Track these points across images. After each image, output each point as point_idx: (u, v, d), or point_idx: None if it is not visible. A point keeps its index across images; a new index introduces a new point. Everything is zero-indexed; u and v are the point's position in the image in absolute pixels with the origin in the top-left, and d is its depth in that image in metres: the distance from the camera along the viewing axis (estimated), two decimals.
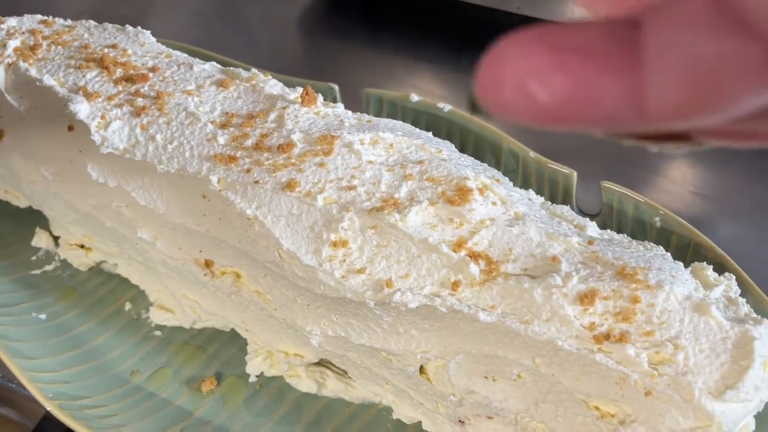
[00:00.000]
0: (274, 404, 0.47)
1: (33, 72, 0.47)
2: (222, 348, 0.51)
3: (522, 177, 0.53)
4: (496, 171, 0.45)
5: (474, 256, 0.38)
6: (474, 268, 0.37)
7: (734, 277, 0.41)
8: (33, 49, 0.49)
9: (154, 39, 0.51)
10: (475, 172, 0.41)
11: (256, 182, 0.40)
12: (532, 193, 0.44)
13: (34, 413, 0.86)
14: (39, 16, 0.53)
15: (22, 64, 0.47)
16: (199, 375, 0.49)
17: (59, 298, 0.54)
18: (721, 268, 0.44)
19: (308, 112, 0.44)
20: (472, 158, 0.45)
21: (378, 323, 0.40)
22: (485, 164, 0.45)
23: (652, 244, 0.41)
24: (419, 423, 0.45)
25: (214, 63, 0.49)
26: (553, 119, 0.14)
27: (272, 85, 0.47)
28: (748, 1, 0.11)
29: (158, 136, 0.43)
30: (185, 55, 0.50)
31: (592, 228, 0.42)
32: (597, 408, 0.36)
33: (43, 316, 0.52)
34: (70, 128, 0.45)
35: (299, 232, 0.40)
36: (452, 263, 0.38)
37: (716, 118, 0.13)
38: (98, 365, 0.49)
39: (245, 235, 0.41)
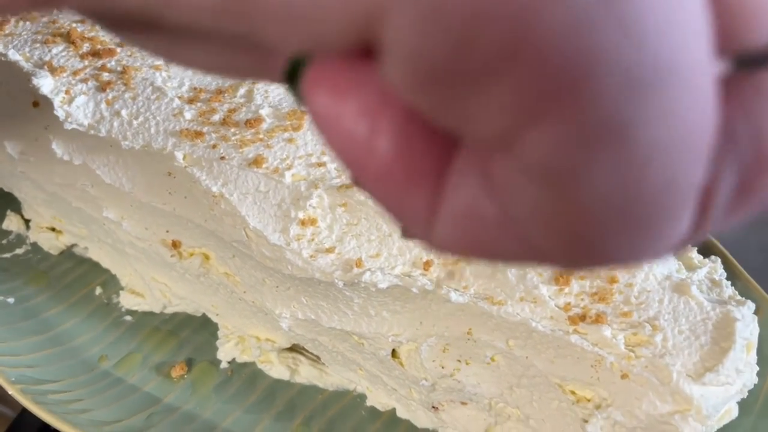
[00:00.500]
0: (245, 391, 0.46)
1: None
2: (194, 334, 0.49)
3: None
4: None
5: None
6: None
7: (719, 260, 0.39)
8: (0, 25, 0.47)
9: None
10: None
11: (222, 158, 0.39)
12: None
13: (15, 404, 0.85)
14: None
15: None
16: (169, 361, 0.48)
17: (29, 281, 0.52)
18: (707, 253, 0.43)
19: (279, 87, 0.43)
20: None
21: (348, 305, 0.38)
22: None
23: None
24: (394, 410, 0.44)
25: None
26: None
27: None
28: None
29: (123, 112, 0.42)
30: None
31: None
32: (573, 392, 0.35)
33: (11, 300, 0.50)
34: (35, 104, 0.44)
35: (266, 210, 0.38)
36: None
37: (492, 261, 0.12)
38: (65, 350, 0.48)
39: (211, 213, 0.40)
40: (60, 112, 0.42)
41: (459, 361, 0.37)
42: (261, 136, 0.40)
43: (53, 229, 0.53)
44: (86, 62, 0.44)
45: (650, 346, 0.32)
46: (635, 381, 0.32)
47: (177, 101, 0.42)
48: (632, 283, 0.34)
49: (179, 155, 0.40)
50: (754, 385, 0.39)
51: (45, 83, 0.42)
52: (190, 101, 0.42)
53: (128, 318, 0.50)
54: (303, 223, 0.37)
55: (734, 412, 0.35)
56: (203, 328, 0.49)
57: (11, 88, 0.45)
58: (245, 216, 0.38)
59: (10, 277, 0.52)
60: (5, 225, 0.55)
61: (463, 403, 0.39)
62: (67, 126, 0.42)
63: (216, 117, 0.41)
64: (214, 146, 0.40)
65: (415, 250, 0.37)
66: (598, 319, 0.33)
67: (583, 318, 0.34)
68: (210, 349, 0.48)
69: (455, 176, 0.10)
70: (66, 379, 0.45)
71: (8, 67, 0.45)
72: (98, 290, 0.52)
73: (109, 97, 0.42)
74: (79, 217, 0.48)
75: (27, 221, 0.55)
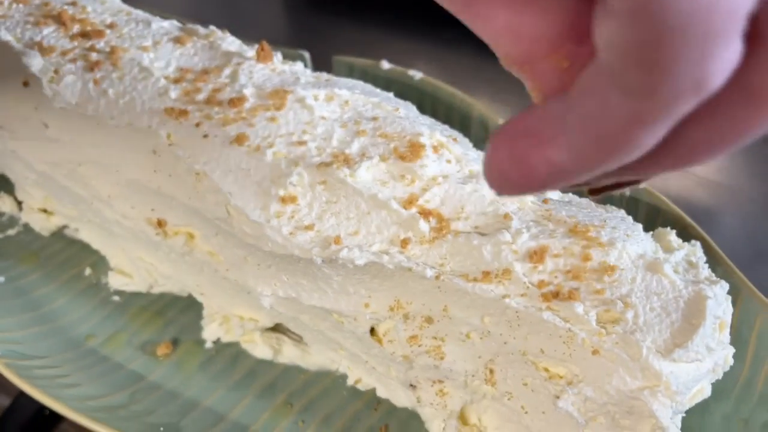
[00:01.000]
0: (228, 370, 0.46)
1: None
2: (180, 314, 0.50)
3: None
4: (457, 133, 0.43)
5: (425, 213, 0.37)
6: (424, 225, 0.36)
7: (698, 244, 0.39)
8: None
9: None
10: (431, 130, 0.40)
11: (206, 136, 0.40)
12: None
13: (10, 389, 0.86)
14: None
15: None
16: (155, 340, 0.48)
17: (20, 261, 0.53)
18: (688, 238, 0.43)
19: (264, 68, 0.43)
20: (433, 119, 0.44)
21: (328, 283, 0.39)
22: (446, 126, 0.44)
23: (613, 207, 0.40)
24: (374, 390, 0.44)
25: (174, 21, 0.48)
26: (529, 188, 0.18)
27: (230, 42, 0.46)
28: None
29: (110, 91, 0.43)
30: (145, 13, 0.49)
31: (555, 194, 0.41)
32: (546, 369, 0.35)
33: (1, 279, 0.51)
34: (26, 84, 0.45)
35: (248, 187, 0.39)
36: (402, 220, 0.37)
37: (624, 159, 0.16)
38: (53, 328, 0.48)
39: (195, 191, 0.40)
40: (48, 91, 0.43)
41: (435, 338, 0.38)
42: (244, 114, 0.40)
43: (45, 211, 0.54)
44: (75, 43, 0.45)
45: (621, 323, 0.33)
46: (606, 357, 0.33)
47: (163, 81, 0.43)
48: (606, 261, 0.35)
49: (163, 133, 0.40)
50: (733, 369, 0.39)
51: (34, 62, 0.43)
52: (176, 81, 0.43)
53: (116, 298, 0.51)
54: (283, 200, 0.38)
55: (707, 391, 0.35)
56: (189, 309, 0.50)
57: (2, 68, 0.46)
58: (227, 193, 0.39)
59: (1, 257, 0.53)
60: None
61: (440, 381, 0.39)
62: (56, 104, 0.43)
63: (200, 96, 0.42)
64: (197, 124, 0.40)
65: (393, 228, 0.37)
66: (571, 296, 0.34)
67: (556, 295, 0.34)
68: (195, 329, 0.48)
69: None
70: (53, 355, 0.46)
71: (2, 49, 0.46)
72: (88, 271, 0.52)
73: (97, 76, 0.43)
74: (68, 196, 0.48)
75: (19, 203, 0.56)
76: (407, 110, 0.43)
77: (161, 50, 0.45)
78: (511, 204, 0.37)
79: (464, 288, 0.35)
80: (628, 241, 0.35)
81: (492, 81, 0.66)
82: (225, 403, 0.44)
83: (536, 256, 0.35)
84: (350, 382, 0.45)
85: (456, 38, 0.70)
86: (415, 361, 0.39)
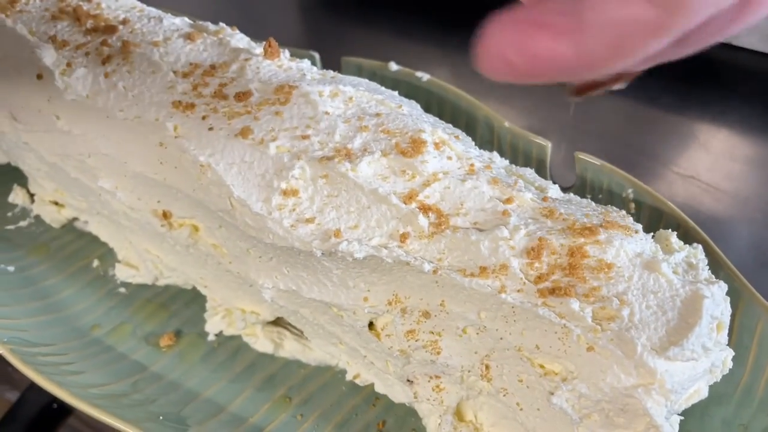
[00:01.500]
0: (230, 363, 0.47)
1: (8, 22, 0.47)
2: (184, 307, 0.50)
3: (497, 149, 0.52)
4: (460, 131, 0.44)
5: (424, 208, 0.37)
6: (423, 220, 0.37)
7: (700, 247, 0.39)
8: (12, 2, 0.49)
9: None
10: (433, 127, 0.41)
11: (211, 129, 0.40)
12: (495, 155, 0.43)
13: (19, 383, 0.87)
14: None
15: None
16: (159, 331, 0.49)
17: (30, 252, 0.54)
18: (690, 241, 0.43)
19: (271, 64, 0.44)
20: (436, 118, 0.44)
21: (328, 276, 0.39)
22: (450, 124, 0.44)
23: (614, 207, 0.40)
24: (373, 385, 0.44)
25: (185, 18, 0.49)
26: (525, 76, 0.19)
27: (238, 39, 0.46)
28: None
29: (120, 84, 0.43)
30: (158, 10, 0.50)
31: (554, 190, 0.41)
32: (541, 366, 0.35)
33: (11, 268, 0.52)
34: (39, 77, 0.46)
35: (250, 179, 0.39)
36: (401, 215, 0.37)
37: (628, 63, 0.18)
38: (60, 317, 0.49)
39: (199, 183, 0.41)
40: (60, 83, 0.44)
41: (432, 333, 0.38)
42: (249, 108, 0.41)
43: (56, 203, 0.55)
44: (89, 38, 0.46)
45: (617, 320, 0.33)
46: (600, 354, 0.33)
47: (171, 75, 0.43)
48: (603, 258, 0.35)
49: (170, 126, 0.41)
50: (733, 373, 0.39)
51: (48, 55, 0.44)
52: (185, 75, 0.43)
53: (122, 290, 0.51)
54: (285, 193, 0.38)
55: (704, 393, 0.35)
56: (193, 302, 0.50)
57: (18, 61, 0.47)
58: (230, 185, 0.39)
59: (11, 248, 0.54)
60: (11, 198, 0.57)
61: (436, 377, 0.39)
62: (67, 97, 0.44)
63: (207, 90, 0.42)
64: (203, 117, 0.41)
65: (393, 222, 0.37)
66: (567, 292, 0.34)
67: (552, 291, 0.34)
68: (199, 322, 0.49)
69: (589, 13, 0.17)
70: (58, 343, 0.47)
71: (16, 41, 0.47)
72: (95, 263, 0.53)
73: (108, 70, 0.44)
74: (78, 188, 0.49)
75: (32, 195, 0.57)
76: (411, 108, 0.43)
77: (171, 46, 0.46)
78: (510, 201, 0.38)
79: (461, 283, 0.35)
80: (626, 240, 0.35)
81: (499, 86, 0.66)
82: (225, 395, 0.45)
83: (533, 252, 0.35)
84: (349, 377, 0.45)
85: (465, 42, 0.71)
86: (412, 355, 0.39)
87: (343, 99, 0.42)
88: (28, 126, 0.47)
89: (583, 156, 0.49)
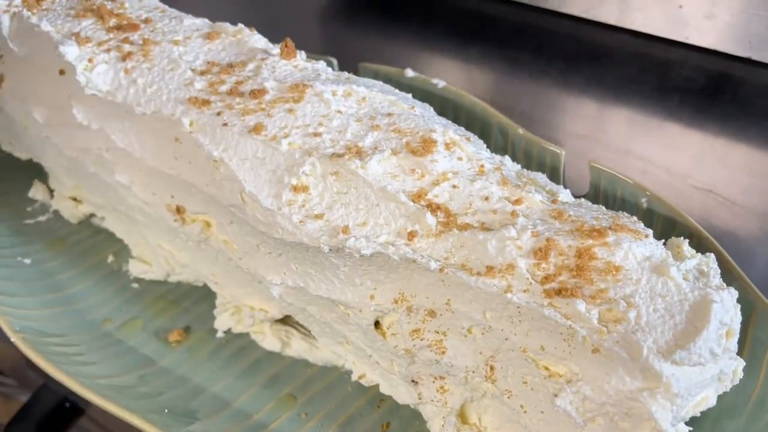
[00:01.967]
0: (237, 360, 0.47)
1: (34, 19, 0.48)
2: (194, 304, 0.51)
3: (511, 156, 0.52)
4: (471, 134, 0.44)
5: (433, 207, 0.37)
6: (431, 219, 0.37)
7: (712, 255, 0.39)
8: (38, 0, 0.51)
9: None
10: (444, 128, 0.41)
11: (225, 125, 0.41)
12: (507, 159, 0.43)
13: (32, 383, 0.88)
14: None
15: (26, 12, 0.49)
16: (169, 327, 0.49)
17: (47, 246, 0.55)
18: (704, 251, 0.42)
19: (287, 64, 0.45)
20: (449, 120, 0.45)
21: (335, 273, 0.39)
22: (462, 127, 0.45)
23: (625, 213, 0.40)
24: (378, 386, 0.44)
25: (206, 19, 0.50)
26: None
27: (256, 40, 0.47)
28: None
29: (140, 80, 0.44)
30: (179, 12, 0.51)
31: (565, 195, 0.41)
32: (546, 368, 0.35)
33: (27, 261, 0.53)
34: (62, 72, 0.47)
35: (262, 175, 0.40)
36: (410, 213, 0.37)
37: None
38: (73, 310, 0.50)
39: (212, 178, 0.41)
40: (81, 78, 0.45)
41: (437, 332, 0.38)
42: (263, 105, 0.41)
43: (74, 199, 0.56)
44: (111, 35, 0.47)
45: (623, 323, 0.32)
46: (606, 356, 0.32)
47: (189, 73, 0.44)
48: (611, 261, 0.34)
49: (186, 121, 0.42)
50: (745, 386, 0.38)
51: (70, 51, 0.45)
52: (202, 73, 0.44)
53: (135, 285, 0.52)
54: (295, 189, 0.39)
55: (712, 401, 0.34)
56: (204, 300, 0.51)
57: (42, 58, 0.48)
58: (242, 180, 0.40)
59: (29, 241, 0.55)
60: (31, 193, 0.58)
61: (441, 377, 0.39)
62: (88, 91, 0.45)
63: (224, 87, 0.43)
64: (218, 114, 0.41)
65: (401, 220, 0.37)
66: (573, 293, 0.33)
67: (558, 292, 0.34)
68: (208, 319, 0.49)
69: None
70: (70, 334, 0.47)
71: (40, 38, 0.48)
72: (110, 258, 0.54)
73: (128, 66, 0.45)
74: (96, 183, 0.50)
75: (51, 191, 0.58)
76: (424, 110, 0.44)
77: (191, 45, 0.47)
78: (520, 202, 0.37)
79: (467, 282, 0.35)
80: (635, 243, 0.35)
81: (515, 97, 0.66)
82: (231, 391, 0.45)
83: (540, 252, 0.35)
84: (355, 377, 0.45)
85: (482, 54, 0.71)
86: (417, 355, 0.39)
87: (356, 99, 0.42)
88: (49, 121, 0.49)
89: (596, 164, 0.49)
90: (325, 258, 0.39)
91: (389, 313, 0.39)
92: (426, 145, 0.39)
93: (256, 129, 0.40)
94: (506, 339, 0.35)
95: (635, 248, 0.35)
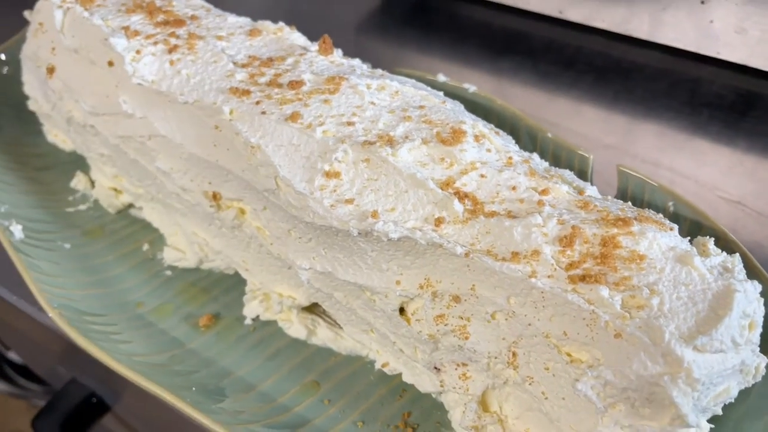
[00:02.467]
0: (264, 346, 0.48)
1: (86, 14, 0.51)
2: (224, 292, 0.52)
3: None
4: (500, 130, 0.45)
5: (460, 195, 0.38)
6: (458, 205, 0.38)
7: (738, 255, 0.39)
8: None
9: None
10: (474, 121, 0.42)
11: (263, 113, 0.42)
12: (535, 155, 0.44)
13: (61, 379, 0.89)
14: None
15: (79, 8, 0.52)
16: (199, 313, 0.50)
17: (86, 233, 0.57)
18: (730, 253, 0.42)
19: (324, 60, 0.46)
20: (478, 117, 0.46)
21: (363, 258, 0.40)
22: (491, 124, 0.46)
23: (651, 211, 0.40)
24: (400, 376, 0.45)
25: (248, 18, 0.53)
26: None
27: (296, 37, 0.49)
28: None
29: (184, 71, 0.46)
30: (223, 11, 0.54)
31: (592, 190, 0.42)
32: (569, 354, 0.35)
33: (67, 246, 0.55)
34: (110, 64, 0.49)
35: (296, 161, 0.41)
36: (438, 199, 0.38)
37: None
38: (108, 292, 0.51)
39: (249, 164, 0.43)
40: (129, 68, 0.47)
41: (461, 318, 0.38)
42: (300, 96, 0.43)
43: (114, 189, 0.58)
44: (159, 30, 0.49)
45: (646, 309, 0.33)
46: (628, 340, 0.33)
47: (231, 65, 0.46)
48: (636, 249, 0.35)
49: (226, 109, 0.43)
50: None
51: (119, 43, 0.48)
52: (243, 66, 0.46)
53: (168, 272, 0.54)
54: (328, 174, 0.40)
55: (733, 393, 0.34)
56: (234, 288, 0.52)
57: (92, 50, 0.51)
58: (277, 166, 0.41)
59: (69, 228, 0.57)
60: (73, 183, 0.61)
61: (464, 364, 0.40)
62: (134, 81, 0.47)
63: (263, 79, 0.45)
64: (257, 103, 0.43)
65: (428, 207, 0.38)
66: (597, 279, 0.34)
67: (582, 278, 0.34)
68: (237, 307, 0.51)
69: None
70: (105, 315, 0.49)
71: (91, 32, 0.51)
72: (146, 246, 0.56)
73: (174, 58, 0.47)
74: (136, 171, 0.52)
75: (93, 182, 0.60)
76: (454, 105, 0.45)
77: (234, 40, 0.49)
78: (546, 192, 0.38)
79: (492, 267, 0.36)
80: (660, 233, 0.36)
81: (545, 108, 0.67)
82: (257, 375, 0.46)
83: (566, 240, 0.36)
84: (378, 365, 0.46)
85: (512, 67, 0.72)
86: (441, 341, 0.39)
87: (389, 92, 0.44)
88: (95, 110, 0.51)
89: (624, 168, 0.49)
90: (353, 242, 0.40)
91: (414, 298, 0.40)
92: (456, 136, 0.40)
93: (293, 117, 0.42)
94: (529, 324, 0.36)
95: (660, 238, 0.35)
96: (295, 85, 0.43)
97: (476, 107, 0.56)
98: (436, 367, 0.41)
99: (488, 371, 0.39)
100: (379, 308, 0.42)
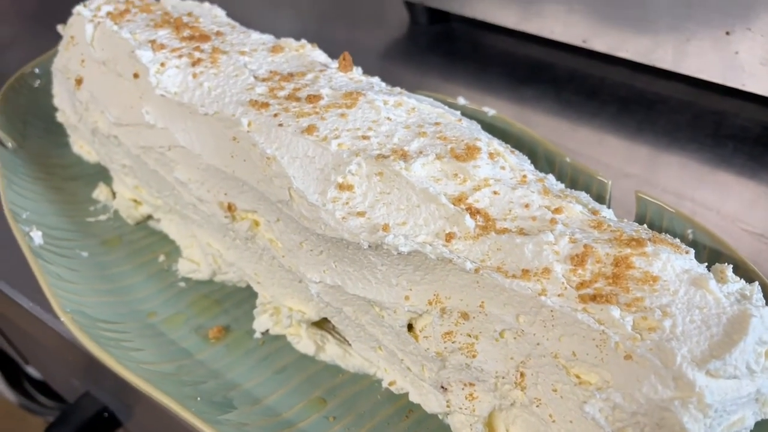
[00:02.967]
0: (272, 360, 0.48)
1: (115, 28, 0.53)
2: (236, 306, 0.52)
3: None
4: (516, 150, 0.45)
5: (472, 211, 0.38)
6: (469, 221, 0.37)
7: (757, 283, 0.38)
8: (122, 13, 0.55)
9: (223, 13, 0.57)
10: (489, 139, 0.42)
11: (280, 125, 0.43)
12: (551, 176, 0.44)
13: (74, 391, 0.89)
14: None
15: (109, 22, 0.53)
16: (210, 325, 0.50)
17: (104, 242, 0.58)
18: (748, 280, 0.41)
19: (343, 76, 0.47)
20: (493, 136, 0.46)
21: (372, 272, 0.40)
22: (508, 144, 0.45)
23: (668, 234, 0.40)
24: (407, 395, 0.44)
25: (272, 36, 0.54)
26: None
27: (318, 55, 0.50)
28: None
29: (206, 84, 0.47)
30: (248, 28, 0.55)
31: (608, 213, 0.41)
32: (577, 376, 0.34)
33: (85, 254, 0.55)
34: (136, 75, 0.50)
35: (310, 173, 0.41)
36: (449, 215, 0.38)
37: None
38: (121, 301, 0.52)
39: (264, 174, 0.43)
40: (153, 79, 0.48)
41: (470, 335, 0.38)
42: (317, 110, 0.43)
43: (134, 201, 0.59)
44: (184, 44, 0.51)
45: (658, 331, 0.32)
46: (638, 362, 0.32)
47: (252, 79, 0.47)
48: (649, 271, 0.34)
49: (245, 121, 0.44)
50: None
51: (145, 55, 0.49)
52: (264, 80, 0.47)
53: (182, 284, 0.54)
54: (341, 187, 0.40)
55: (749, 422, 0.33)
56: (245, 302, 0.52)
57: (119, 63, 0.52)
58: (291, 177, 0.41)
59: (88, 237, 0.58)
60: (95, 194, 0.62)
61: (471, 384, 0.39)
62: (157, 92, 0.48)
63: (282, 93, 0.45)
64: (275, 115, 0.44)
65: (440, 222, 0.38)
66: (609, 300, 0.33)
67: (593, 298, 0.34)
68: (248, 321, 0.50)
69: None
70: (117, 322, 0.49)
71: (119, 45, 0.52)
72: (161, 258, 0.56)
73: (197, 71, 0.48)
74: (155, 182, 0.53)
75: (114, 194, 0.61)
76: (470, 124, 0.45)
77: (256, 56, 0.50)
78: (559, 211, 0.38)
79: (502, 284, 0.35)
80: (675, 255, 0.35)
81: (566, 135, 0.67)
82: (263, 389, 0.46)
83: (577, 258, 0.35)
84: (385, 383, 0.45)
85: (535, 96, 0.73)
86: (448, 359, 0.39)
87: (405, 109, 0.44)
88: (119, 120, 0.52)
89: (643, 194, 0.49)
90: (363, 256, 0.40)
91: (423, 315, 0.40)
92: (470, 152, 0.40)
93: (309, 130, 0.42)
94: (538, 344, 0.35)
95: (674, 260, 0.35)
96: (313, 99, 0.44)
97: (494, 130, 0.56)
98: (443, 386, 0.40)
99: (495, 391, 0.38)
100: (387, 324, 0.41)
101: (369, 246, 0.38)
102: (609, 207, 0.50)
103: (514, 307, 0.36)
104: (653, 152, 0.65)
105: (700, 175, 0.62)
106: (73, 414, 0.85)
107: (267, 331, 0.50)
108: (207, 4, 0.58)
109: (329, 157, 0.41)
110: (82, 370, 0.75)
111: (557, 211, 0.38)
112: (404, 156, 0.40)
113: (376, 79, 0.48)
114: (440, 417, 0.43)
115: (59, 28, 0.61)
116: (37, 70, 0.70)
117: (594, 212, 0.39)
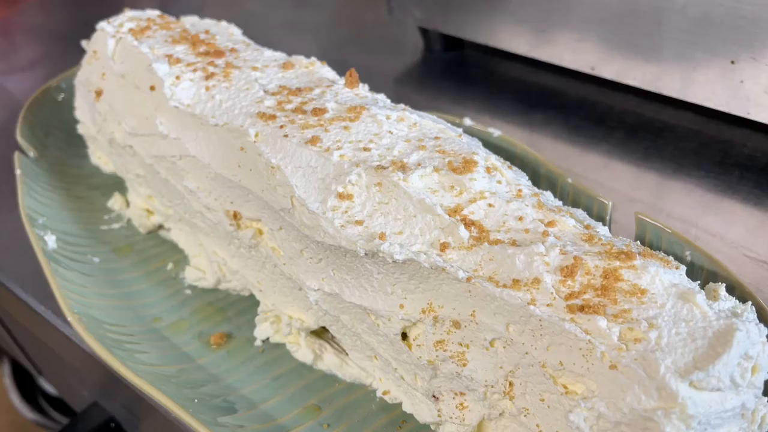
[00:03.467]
0: (270, 368, 0.49)
1: (135, 42, 0.55)
2: (239, 313, 0.53)
3: None
4: (514, 166, 0.46)
5: (467, 222, 0.39)
6: (464, 232, 0.38)
7: (750, 303, 0.38)
8: (143, 30, 0.58)
9: (239, 31, 0.59)
10: (487, 154, 0.43)
11: (285, 136, 0.44)
12: (548, 193, 0.44)
13: (83, 402, 0.91)
14: (158, 11, 0.62)
15: (129, 37, 0.56)
16: (212, 331, 0.52)
17: (116, 250, 0.59)
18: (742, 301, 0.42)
19: (350, 92, 0.49)
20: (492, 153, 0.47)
21: (369, 280, 0.41)
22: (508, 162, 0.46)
23: (662, 252, 0.40)
24: (401, 406, 0.45)
25: (284, 53, 0.55)
26: None
27: (326, 71, 0.52)
28: None
29: (217, 96, 0.49)
30: (261, 46, 0.57)
31: (603, 230, 0.42)
32: (564, 386, 0.35)
33: (96, 260, 0.57)
34: (152, 88, 0.52)
35: (312, 182, 0.43)
36: (444, 225, 0.39)
37: None
38: (128, 306, 0.53)
39: (268, 183, 0.45)
40: (167, 91, 0.50)
41: (461, 344, 0.38)
42: (322, 122, 0.45)
43: (147, 210, 0.61)
44: (199, 59, 0.53)
45: (644, 342, 0.32)
46: (623, 372, 0.32)
47: (262, 93, 0.49)
48: (637, 284, 0.35)
49: (252, 132, 0.46)
50: None
51: (161, 68, 0.51)
52: (273, 94, 0.49)
53: (188, 291, 0.55)
54: (341, 196, 0.41)
55: None
56: (248, 311, 0.53)
57: (137, 76, 0.54)
58: (294, 186, 0.43)
59: (101, 244, 0.60)
60: (110, 203, 0.64)
61: (461, 393, 0.39)
62: (171, 104, 0.50)
63: (290, 106, 0.47)
64: (281, 127, 0.45)
65: (435, 232, 0.39)
66: (596, 310, 0.34)
67: (581, 308, 0.34)
68: (249, 329, 0.51)
69: None
70: (122, 325, 0.51)
71: (138, 59, 0.54)
72: (170, 266, 0.58)
73: (210, 84, 0.50)
74: (167, 191, 0.55)
75: (128, 203, 0.63)
76: (470, 140, 0.46)
77: (268, 71, 0.52)
78: (552, 224, 0.39)
79: (493, 293, 0.36)
80: (663, 269, 0.35)
81: (573, 160, 0.68)
82: (260, 395, 0.46)
83: (567, 270, 0.36)
84: (379, 393, 0.45)
85: (544, 121, 0.74)
86: (440, 367, 0.39)
87: (407, 124, 0.45)
88: (134, 130, 0.54)
89: (642, 216, 0.49)
90: (360, 264, 0.41)
91: (417, 323, 0.40)
92: (467, 165, 0.41)
93: (313, 141, 0.43)
94: (526, 353, 0.36)
95: (663, 274, 0.35)
96: (318, 112, 0.45)
97: (499, 150, 0.57)
98: (434, 396, 0.41)
99: (485, 401, 0.38)
100: (382, 333, 0.42)
101: (365, 254, 0.39)
102: (610, 228, 0.51)
103: (504, 317, 0.36)
104: (659, 178, 0.66)
105: (705, 202, 0.62)
106: (79, 423, 0.86)
107: (267, 339, 0.50)
108: (224, 23, 0.60)
109: (331, 167, 0.42)
110: (92, 379, 0.76)
111: (550, 224, 0.39)
112: (403, 168, 0.41)
113: (381, 96, 0.50)
114: (432, 428, 0.43)
115: (83, 43, 0.64)
116: (62, 85, 0.73)
117: (587, 227, 0.40)
